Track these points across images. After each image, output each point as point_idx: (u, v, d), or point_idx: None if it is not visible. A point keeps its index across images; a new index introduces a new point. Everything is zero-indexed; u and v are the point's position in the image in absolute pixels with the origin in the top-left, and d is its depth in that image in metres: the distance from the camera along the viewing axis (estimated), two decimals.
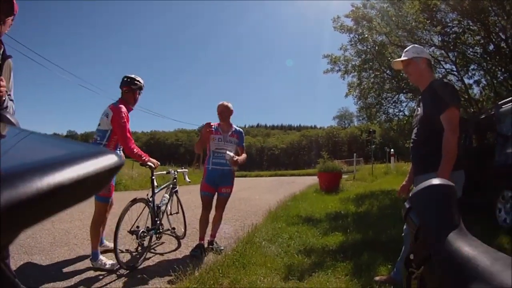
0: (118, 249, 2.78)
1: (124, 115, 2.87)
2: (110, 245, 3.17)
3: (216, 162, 3.40)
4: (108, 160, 0.25)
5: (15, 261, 2.87)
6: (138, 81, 3.10)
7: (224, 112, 3.47)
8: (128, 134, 2.89)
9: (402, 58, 2.37)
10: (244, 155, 3.56)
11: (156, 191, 3.31)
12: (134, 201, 3.02)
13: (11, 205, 0.18)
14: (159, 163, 3.32)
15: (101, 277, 2.72)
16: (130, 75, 3.10)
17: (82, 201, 0.23)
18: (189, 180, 4.19)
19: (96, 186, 0.24)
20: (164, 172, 3.93)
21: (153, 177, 3.34)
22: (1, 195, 0.18)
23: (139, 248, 3.12)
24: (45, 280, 2.57)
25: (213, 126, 3.44)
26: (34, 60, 25.86)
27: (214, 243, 3.53)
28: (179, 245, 3.77)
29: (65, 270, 2.83)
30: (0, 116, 0.48)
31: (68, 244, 3.54)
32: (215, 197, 3.50)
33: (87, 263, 2.95)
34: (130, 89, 3.06)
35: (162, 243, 3.75)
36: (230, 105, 3.50)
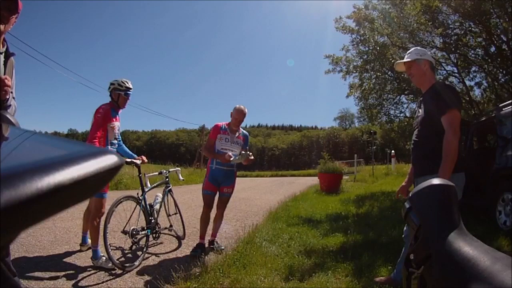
0: (108, 246, 2.76)
1: (101, 111, 3.03)
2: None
3: (220, 162, 3.41)
4: (108, 160, 0.25)
5: (16, 260, 2.87)
6: (123, 84, 3.20)
7: (240, 118, 3.52)
8: (98, 130, 2.96)
9: (405, 60, 2.37)
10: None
11: (146, 190, 3.30)
12: (123, 199, 3.01)
13: (11, 205, 0.18)
14: (145, 159, 3.39)
15: (101, 276, 2.73)
16: (115, 81, 3.18)
17: (82, 201, 0.24)
18: (182, 179, 4.19)
19: (96, 186, 0.25)
20: (156, 173, 3.93)
21: (141, 175, 3.34)
22: (1, 195, 0.18)
23: (133, 247, 3.11)
24: (45, 278, 2.58)
25: (221, 126, 3.50)
26: (36, 58, 25.96)
27: (215, 243, 3.54)
28: (180, 244, 3.78)
29: (65, 268, 2.83)
30: (0, 116, 0.48)
31: (68, 242, 3.55)
32: (217, 196, 3.52)
33: (88, 261, 2.96)
34: (117, 94, 3.18)
35: (162, 243, 3.75)
36: (246, 110, 3.57)
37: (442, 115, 2.07)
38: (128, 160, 3.21)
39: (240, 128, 3.60)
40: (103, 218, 2.99)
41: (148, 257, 3.25)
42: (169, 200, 3.86)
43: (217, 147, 3.45)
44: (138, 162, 3.25)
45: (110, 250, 2.77)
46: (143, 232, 3.16)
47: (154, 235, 3.37)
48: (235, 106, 3.56)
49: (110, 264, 2.84)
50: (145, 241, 3.21)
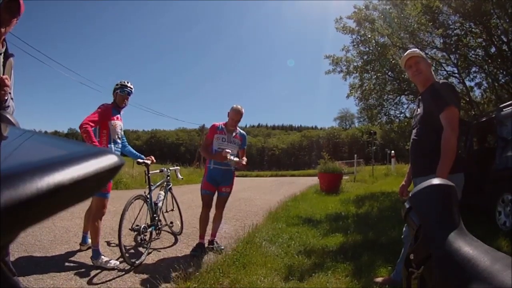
0: (122, 244, 2.85)
1: (102, 107, 3.09)
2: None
3: (218, 161, 3.41)
4: (108, 160, 0.25)
5: (15, 259, 2.87)
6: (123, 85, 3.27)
7: (237, 118, 3.52)
8: (91, 122, 2.95)
9: (417, 54, 2.29)
10: (244, 158, 3.62)
11: (153, 188, 3.44)
12: (140, 197, 3.15)
13: (11, 205, 0.18)
14: (154, 160, 3.56)
15: (101, 275, 2.73)
16: (120, 82, 3.26)
17: (82, 201, 0.24)
18: (181, 177, 4.24)
19: (96, 186, 0.25)
20: (157, 171, 4.00)
21: (149, 175, 3.46)
22: (1, 195, 0.18)
23: (140, 244, 3.17)
24: (45, 278, 2.58)
25: (218, 126, 3.51)
26: (36, 57, 25.80)
27: (215, 243, 3.54)
28: (176, 241, 3.84)
29: (65, 268, 2.84)
30: (0, 116, 0.48)
31: (68, 242, 3.54)
32: (215, 196, 3.53)
33: (88, 261, 2.96)
34: (115, 94, 3.26)
35: (162, 242, 3.76)
36: (243, 110, 3.56)
37: (441, 113, 2.06)
38: (140, 160, 3.39)
39: (237, 128, 3.60)
40: (105, 218, 3.02)
41: (149, 256, 3.26)
42: (167, 197, 3.93)
43: (214, 147, 3.47)
44: (149, 162, 3.44)
45: (123, 247, 2.86)
46: (149, 229, 3.26)
47: (156, 231, 3.49)
48: (232, 105, 3.56)
49: (109, 264, 2.85)
50: (148, 237, 3.29)
